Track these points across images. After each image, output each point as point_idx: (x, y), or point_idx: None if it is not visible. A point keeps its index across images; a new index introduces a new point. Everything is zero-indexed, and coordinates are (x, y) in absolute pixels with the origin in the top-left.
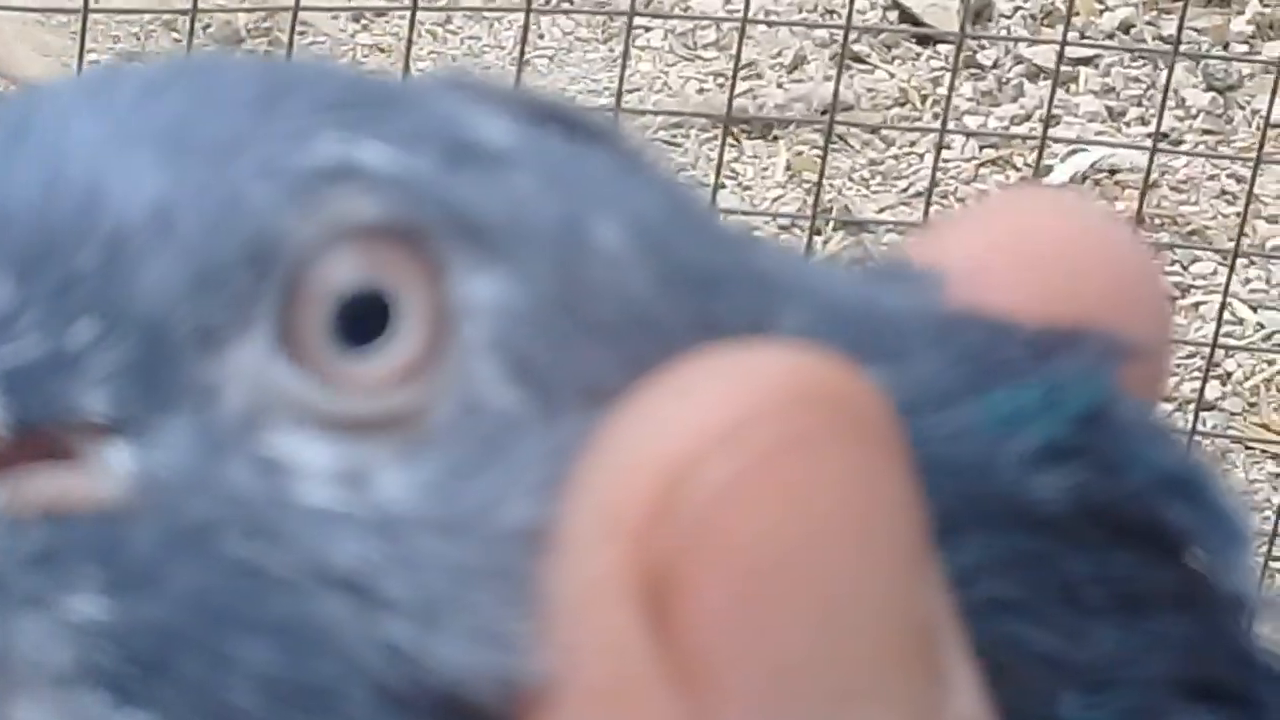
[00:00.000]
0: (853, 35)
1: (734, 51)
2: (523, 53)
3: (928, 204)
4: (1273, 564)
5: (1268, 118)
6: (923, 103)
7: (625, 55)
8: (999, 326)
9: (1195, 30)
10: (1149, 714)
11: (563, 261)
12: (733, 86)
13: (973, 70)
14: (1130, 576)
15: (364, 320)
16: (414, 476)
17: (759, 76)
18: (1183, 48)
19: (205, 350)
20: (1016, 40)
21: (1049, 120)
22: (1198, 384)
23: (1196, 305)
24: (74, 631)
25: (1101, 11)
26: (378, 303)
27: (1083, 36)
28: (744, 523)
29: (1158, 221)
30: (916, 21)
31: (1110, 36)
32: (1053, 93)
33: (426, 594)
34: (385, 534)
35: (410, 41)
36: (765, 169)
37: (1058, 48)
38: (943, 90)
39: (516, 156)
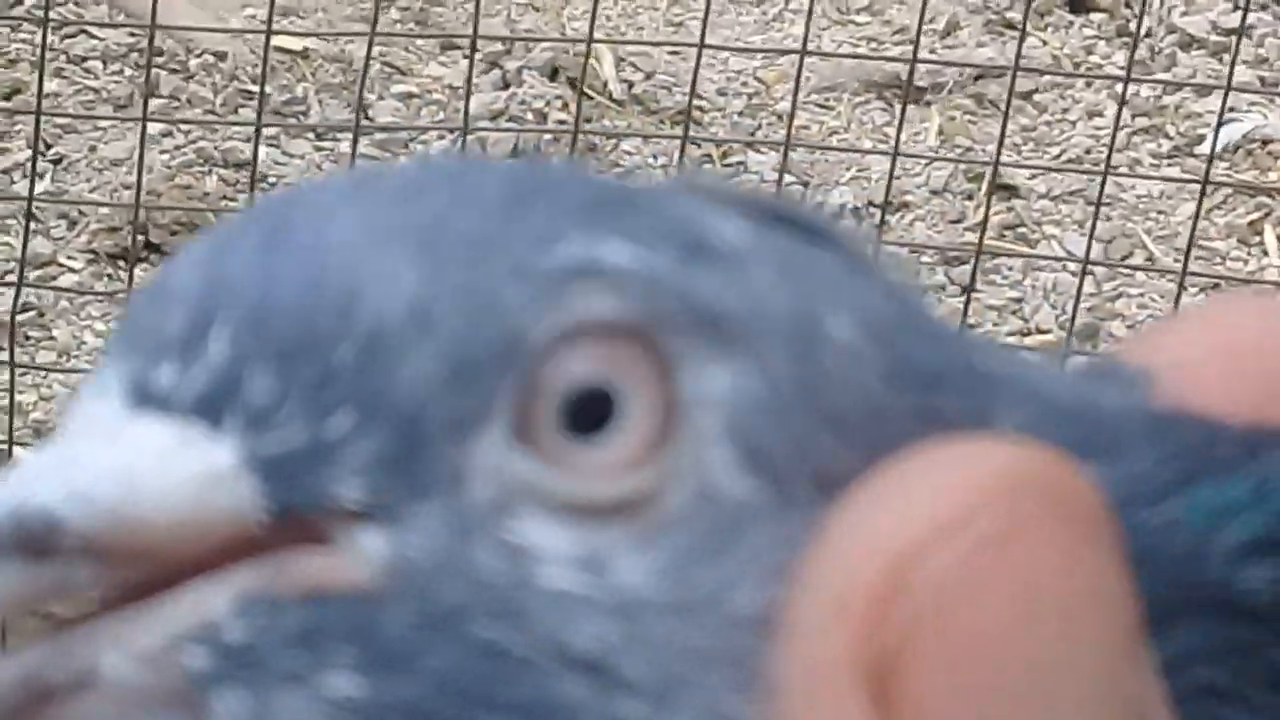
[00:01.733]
0: (1005, 2)
1: (886, 17)
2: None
3: None
4: None
5: None
6: (1073, 69)
7: None
8: (1208, 425)
9: None
10: None
11: (798, 353)
12: None
13: (1124, 39)
14: None
15: (590, 410)
16: (650, 561)
17: (910, 42)
18: None
19: (453, 441)
20: None
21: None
22: None
23: None
24: (331, 708)
25: None
26: (604, 394)
27: (1236, 7)
28: (963, 610)
29: None
30: None
31: (1264, 8)
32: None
33: (661, 675)
34: (623, 617)
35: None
36: (917, 134)
37: (1210, 17)
38: (1095, 58)
39: (750, 254)
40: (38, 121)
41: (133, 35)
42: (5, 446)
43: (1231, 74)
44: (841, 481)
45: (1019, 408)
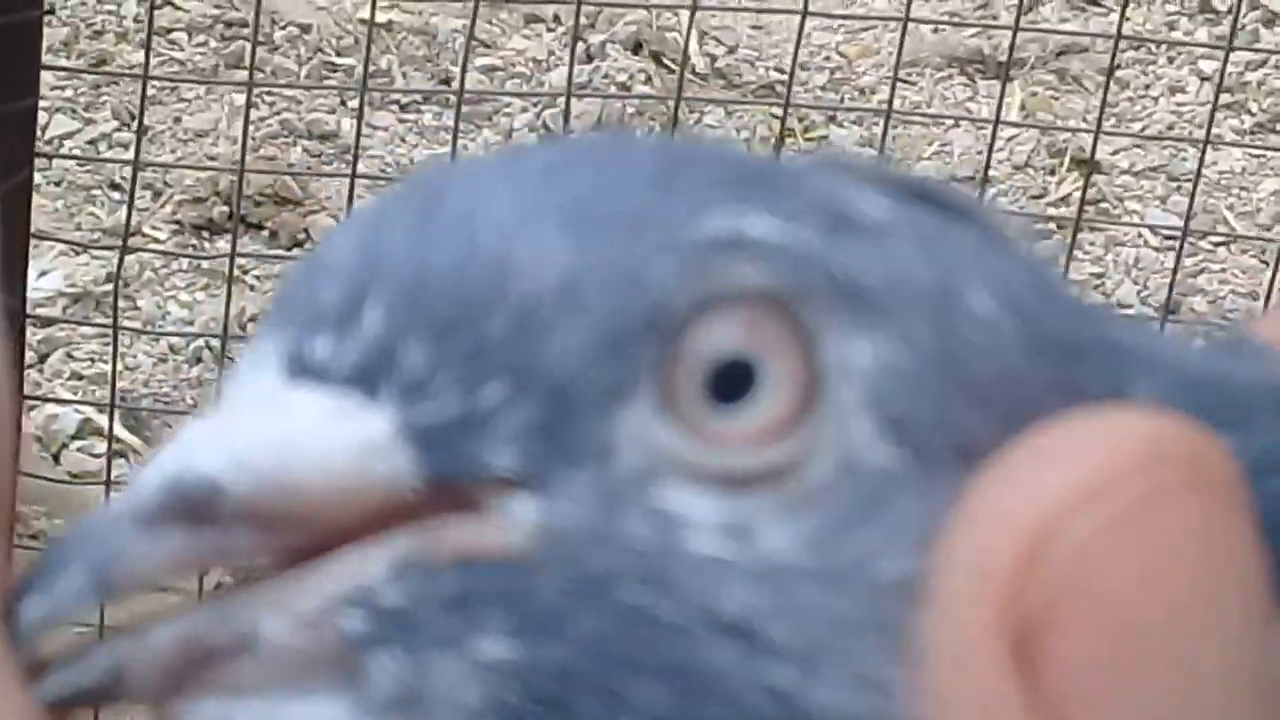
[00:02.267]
0: None
1: None
2: None
3: None
4: None
5: None
6: (1157, 46)
7: None
8: None
9: None
10: None
11: (939, 324)
12: None
13: (1208, 15)
14: None
15: (733, 381)
16: (796, 530)
17: (994, 17)
18: None
19: (602, 411)
20: None
21: None
22: None
23: None
24: (484, 671)
25: None
26: (746, 365)
27: None
28: (1107, 576)
29: None
30: None
31: None
32: None
33: (808, 641)
34: (770, 583)
35: None
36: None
37: None
38: (1177, 34)
39: (891, 228)
40: (144, 87)
41: (218, 7)
42: (104, 414)
43: None
44: (981, 451)
45: (1153, 379)
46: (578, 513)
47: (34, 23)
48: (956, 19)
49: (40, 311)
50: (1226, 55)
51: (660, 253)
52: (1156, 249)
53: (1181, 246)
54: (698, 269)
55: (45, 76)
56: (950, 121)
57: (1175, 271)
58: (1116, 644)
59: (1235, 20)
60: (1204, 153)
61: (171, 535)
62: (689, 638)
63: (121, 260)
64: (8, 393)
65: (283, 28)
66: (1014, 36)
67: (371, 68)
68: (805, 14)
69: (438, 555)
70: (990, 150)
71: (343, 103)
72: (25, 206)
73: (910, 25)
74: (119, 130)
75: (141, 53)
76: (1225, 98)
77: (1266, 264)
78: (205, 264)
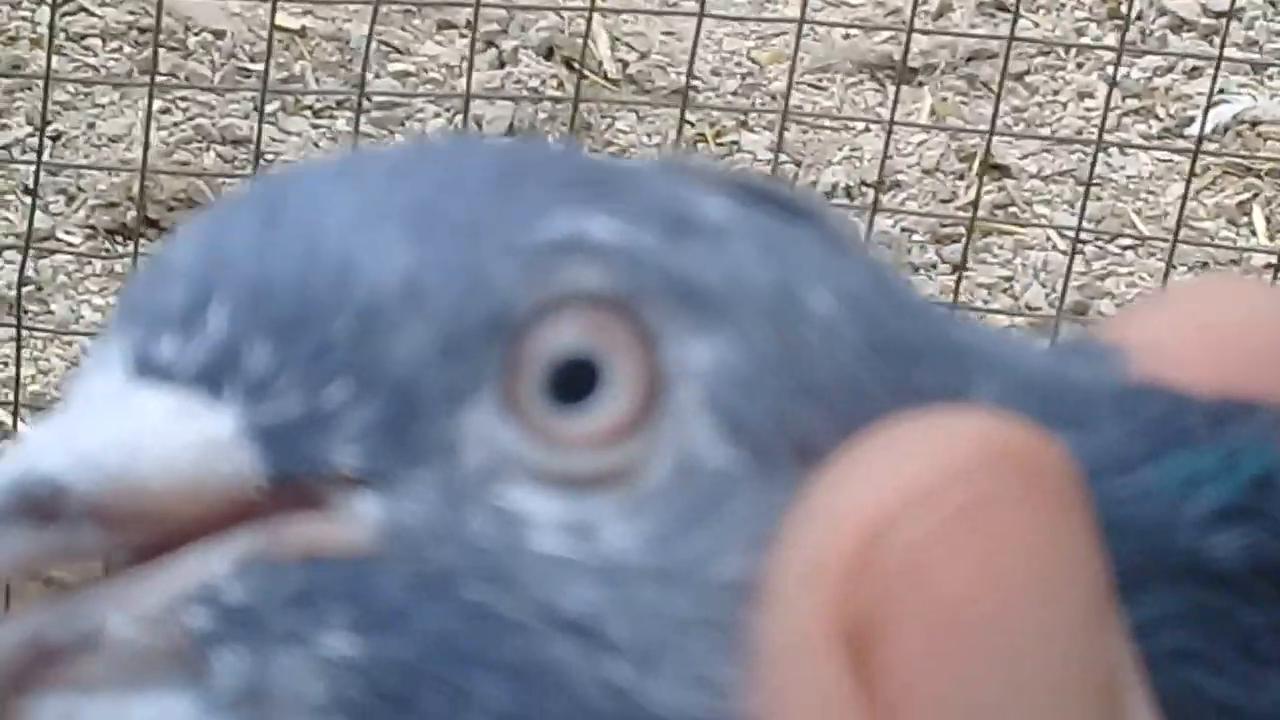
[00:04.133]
0: None
1: None
2: None
3: None
4: None
5: None
6: (1066, 52)
7: None
8: (1178, 398)
9: None
10: None
11: (778, 326)
12: None
13: (1116, 21)
14: None
15: (575, 381)
16: (636, 529)
17: (904, 23)
18: None
19: (446, 410)
20: None
21: None
22: None
23: None
24: (327, 666)
25: None
26: (589, 365)
27: None
28: (939, 575)
29: None
30: None
31: None
32: None
33: (646, 639)
34: (610, 582)
35: None
36: (909, 114)
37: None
38: (1086, 39)
39: (732, 231)
40: (46, 89)
41: (132, 14)
42: (9, 418)
43: (1221, 54)
44: (821, 452)
45: (993, 381)
46: (422, 511)
47: None
48: (867, 24)
49: None
50: (1118, 57)
51: (501, 254)
52: (1064, 252)
53: (1075, 249)
54: (538, 271)
55: None
56: (861, 126)
57: (1068, 273)
58: (946, 648)
59: (1126, 26)
60: (1095, 155)
61: (16, 533)
62: (530, 635)
63: (24, 263)
64: None
65: (196, 34)
66: (908, 39)
67: (285, 74)
68: (702, 15)
69: (282, 552)
70: (884, 151)
71: (256, 108)
72: None
73: (822, 31)
74: (32, 135)
75: (56, 59)
76: (1134, 103)
77: (1175, 267)
78: (118, 268)
